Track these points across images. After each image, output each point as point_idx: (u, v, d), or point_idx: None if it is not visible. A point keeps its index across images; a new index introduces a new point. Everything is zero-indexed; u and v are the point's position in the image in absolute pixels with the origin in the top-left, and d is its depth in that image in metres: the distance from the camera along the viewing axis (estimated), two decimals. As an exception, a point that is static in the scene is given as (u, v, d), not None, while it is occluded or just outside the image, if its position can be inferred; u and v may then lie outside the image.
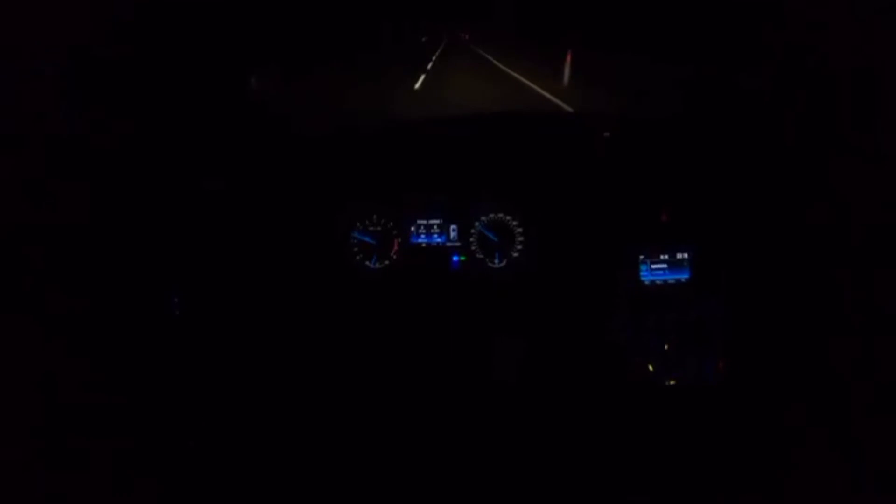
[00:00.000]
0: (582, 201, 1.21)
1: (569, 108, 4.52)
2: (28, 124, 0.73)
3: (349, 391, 1.16)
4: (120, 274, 0.91)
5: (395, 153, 1.27)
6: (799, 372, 1.01)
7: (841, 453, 0.87)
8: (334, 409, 1.14)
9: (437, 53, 11.85)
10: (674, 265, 1.20)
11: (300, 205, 1.21)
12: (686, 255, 1.20)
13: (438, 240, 1.26)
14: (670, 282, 1.20)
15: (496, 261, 1.25)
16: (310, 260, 1.21)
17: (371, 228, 1.24)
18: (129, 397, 0.91)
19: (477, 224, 1.25)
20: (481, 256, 1.25)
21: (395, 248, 1.25)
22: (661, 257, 1.20)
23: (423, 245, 1.26)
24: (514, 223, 1.24)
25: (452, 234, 1.25)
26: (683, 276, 1.20)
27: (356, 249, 1.24)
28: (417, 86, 6.22)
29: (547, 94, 5.65)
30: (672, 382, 1.16)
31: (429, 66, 8.99)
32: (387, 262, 1.25)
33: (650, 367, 1.16)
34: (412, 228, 1.25)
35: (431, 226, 1.25)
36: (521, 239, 1.24)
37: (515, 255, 1.24)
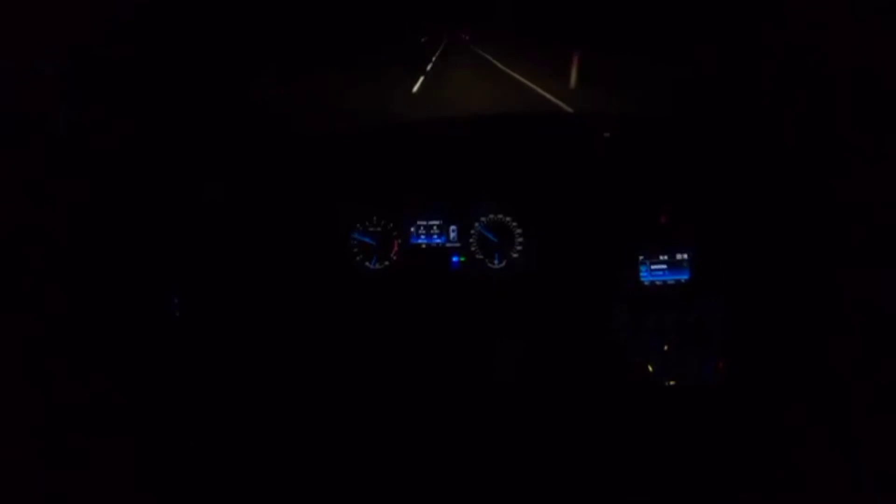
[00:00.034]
0: (582, 202, 1.21)
1: (569, 109, 4.53)
2: (28, 124, 0.73)
3: (349, 392, 1.16)
4: (120, 274, 0.91)
5: (395, 154, 1.27)
6: (799, 372, 1.01)
7: (841, 453, 0.87)
8: (335, 410, 1.14)
9: (437, 54, 11.86)
10: (673, 266, 1.20)
11: (300, 205, 1.21)
12: (686, 256, 1.20)
13: (438, 240, 1.26)
14: (670, 282, 1.20)
15: (496, 261, 1.25)
16: (310, 261, 1.21)
17: (371, 229, 1.25)
18: (129, 397, 0.91)
19: (477, 225, 1.25)
20: (481, 257, 1.25)
21: (395, 248, 1.25)
22: (661, 258, 1.20)
23: (423, 246, 1.26)
24: (514, 224, 1.24)
25: (452, 235, 1.25)
26: (683, 277, 1.20)
27: (356, 250, 1.24)
28: (417, 86, 6.22)
29: (547, 95, 5.65)
30: (672, 383, 1.16)
31: (429, 66, 8.99)
32: (387, 263, 1.25)
33: (650, 368, 1.16)
34: (412, 229, 1.25)
35: (431, 226, 1.25)
36: (520, 240, 1.24)
37: (515, 255, 1.24)
